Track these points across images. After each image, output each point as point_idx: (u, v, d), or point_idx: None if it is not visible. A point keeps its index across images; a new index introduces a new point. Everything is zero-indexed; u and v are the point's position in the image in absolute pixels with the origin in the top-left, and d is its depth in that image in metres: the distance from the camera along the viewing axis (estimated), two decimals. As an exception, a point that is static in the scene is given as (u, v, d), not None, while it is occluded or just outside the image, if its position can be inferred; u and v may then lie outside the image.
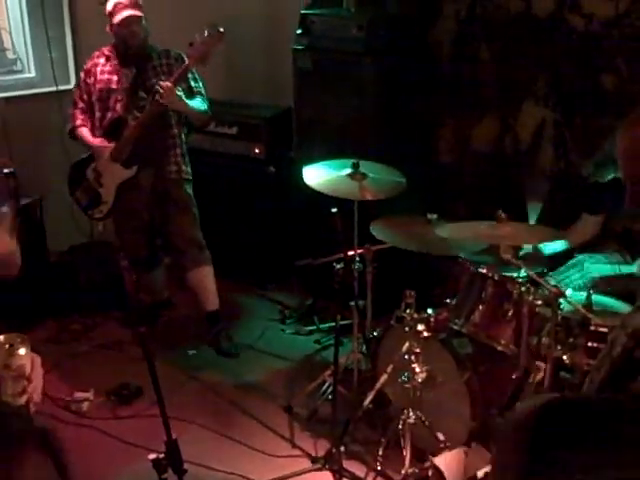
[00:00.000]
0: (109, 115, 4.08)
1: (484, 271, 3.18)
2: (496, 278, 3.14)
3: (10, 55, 5.19)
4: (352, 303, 3.64)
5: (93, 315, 4.63)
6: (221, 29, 3.82)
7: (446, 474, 2.90)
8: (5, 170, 3.97)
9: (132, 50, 4.04)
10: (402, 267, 3.91)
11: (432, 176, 4.60)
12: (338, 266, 3.30)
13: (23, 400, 1.65)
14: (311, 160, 3.71)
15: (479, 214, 3.25)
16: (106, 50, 4.16)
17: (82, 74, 4.22)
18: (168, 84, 3.81)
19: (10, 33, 5.21)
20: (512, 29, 4.20)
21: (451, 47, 4.48)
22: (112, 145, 4.04)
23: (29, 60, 5.20)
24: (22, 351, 1.71)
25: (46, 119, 4.82)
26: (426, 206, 3.56)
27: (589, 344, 2.86)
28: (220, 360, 4.22)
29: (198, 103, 4.04)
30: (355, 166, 3.42)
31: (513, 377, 3.00)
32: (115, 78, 4.08)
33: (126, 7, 3.95)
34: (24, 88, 4.97)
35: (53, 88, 4.91)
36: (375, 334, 3.64)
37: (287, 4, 5.07)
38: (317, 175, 3.52)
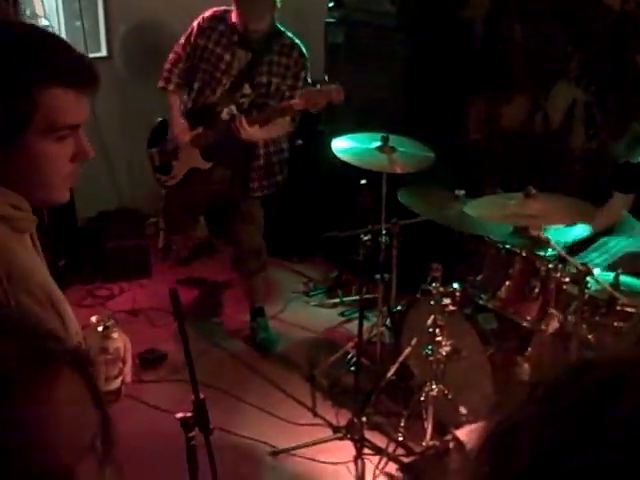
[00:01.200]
0: (207, 93, 3.78)
1: (512, 248, 3.18)
2: (524, 254, 3.14)
3: (42, 22, 5.22)
4: (377, 276, 3.65)
5: (119, 281, 4.68)
6: (339, 86, 3.57)
7: (468, 447, 2.92)
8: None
9: (252, 32, 3.67)
10: (427, 242, 3.92)
11: (461, 152, 4.59)
12: (365, 238, 3.31)
13: (118, 383, 1.64)
14: (339, 134, 3.69)
15: (507, 191, 3.24)
16: (229, 17, 3.72)
17: (195, 28, 3.78)
18: (247, 127, 3.55)
19: (42, 0, 5.24)
20: (546, 8, 4.15)
21: (483, 25, 4.45)
22: (196, 132, 3.81)
23: (60, 27, 5.23)
24: (116, 334, 1.68)
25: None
26: (454, 182, 3.56)
27: (615, 324, 2.86)
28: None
29: (279, 127, 3.74)
30: (384, 139, 3.42)
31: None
32: (227, 57, 3.73)
33: None
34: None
35: (84, 56, 4.94)
36: (399, 308, 3.66)
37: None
38: (346, 147, 3.52)
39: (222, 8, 3.77)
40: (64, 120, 1.35)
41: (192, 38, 3.79)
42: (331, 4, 4.51)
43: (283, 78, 3.73)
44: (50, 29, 5.19)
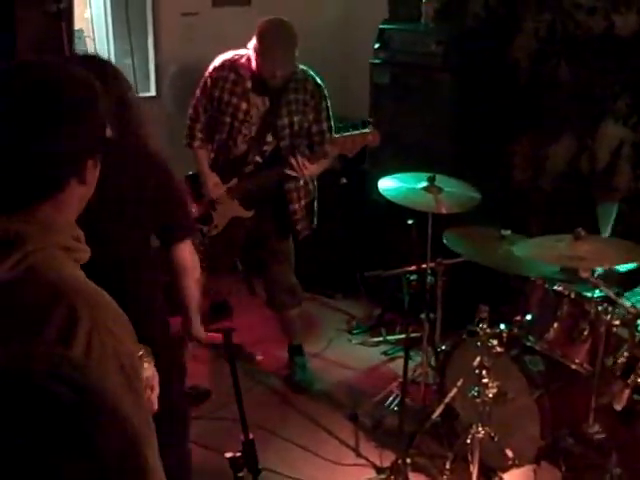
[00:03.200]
0: (230, 144, 3.74)
1: (560, 289, 3.15)
2: (572, 296, 3.10)
3: (93, 62, 5.37)
4: (422, 315, 3.64)
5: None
6: (375, 130, 3.64)
7: (514, 491, 2.88)
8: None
9: (270, 79, 3.59)
10: (472, 282, 3.91)
11: (507, 192, 4.58)
12: (412, 277, 3.31)
13: None
14: (384, 173, 3.71)
15: (553, 232, 3.23)
16: (240, 64, 3.68)
17: (208, 81, 3.75)
18: (303, 164, 3.59)
19: (94, 40, 5.39)
20: (593, 48, 4.15)
21: (530, 64, 4.46)
22: (231, 184, 3.79)
23: (111, 68, 5.36)
24: (146, 363, 1.71)
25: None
26: (500, 222, 3.55)
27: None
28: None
29: (324, 163, 3.74)
30: (431, 179, 3.44)
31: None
32: (244, 106, 3.67)
33: (277, 44, 3.53)
34: (105, 95, 5.11)
35: (134, 95, 5.04)
36: (444, 348, 3.63)
37: (365, 17, 5.13)
38: (392, 186, 3.54)
39: (231, 55, 3.73)
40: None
41: (207, 90, 3.76)
42: (377, 45, 4.57)
43: (304, 114, 3.70)
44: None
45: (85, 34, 5.31)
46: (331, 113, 3.81)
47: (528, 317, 3.29)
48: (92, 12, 5.28)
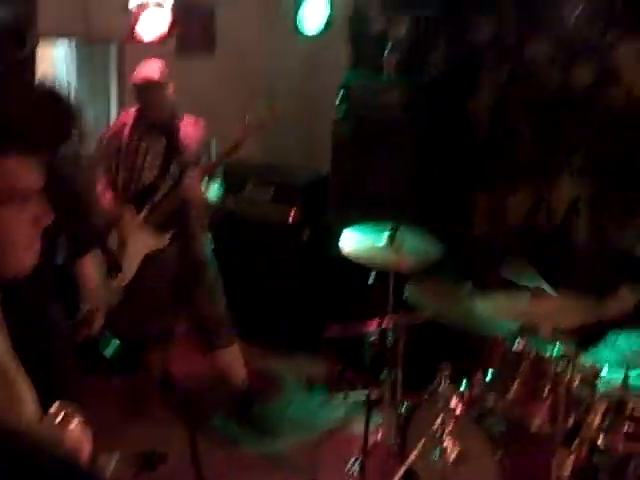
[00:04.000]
0: (135, 177, 3.91)
1: (520, 348, 3.11)
2: (532, 355, 3.07)
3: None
4: (383, 375, 3.57)
5: (120, 375, 4.59)
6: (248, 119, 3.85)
7: None
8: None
9: (154, 120, 3.89)
10: (433, 338, 3.87)
11: (467, 244, 4.57)
12: (372, 337, 3.26)
13: None
14: (346, 225, 3.69)
15: (513, 285, 3.21)
16: (129, 117, 3.98)
17: (107, 134, 4.03)
18: (198, 182, 3.81)
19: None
20: (551, 100, 4.19)
21: (489, 116, 4.49)
22: (143, 213, 3.90)
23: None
24: (74, 423, 1.64)
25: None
26: (461, 273, 3.53)
27: (626, 427, 2.78)
28: (246, 428, 4.15)
29: (213, 192, 3.97)
30: (392, 235, 3.38)
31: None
32: (144, 144, 3.91)
33: (148, 84, 3.81)
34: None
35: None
36: (405, 408, 3.56)
37: (327, 67, 5.15)
38: (354, 242, 3.50)
39: (122, 113, 4.11)
40: (21, 186, 1.42)
41: (106, 147, 3.99)
42: (339, 99, 4.57)
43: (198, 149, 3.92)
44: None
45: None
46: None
47: (488, 376, 3.25)
48: (56, 56, 5.26)
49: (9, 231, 1.43)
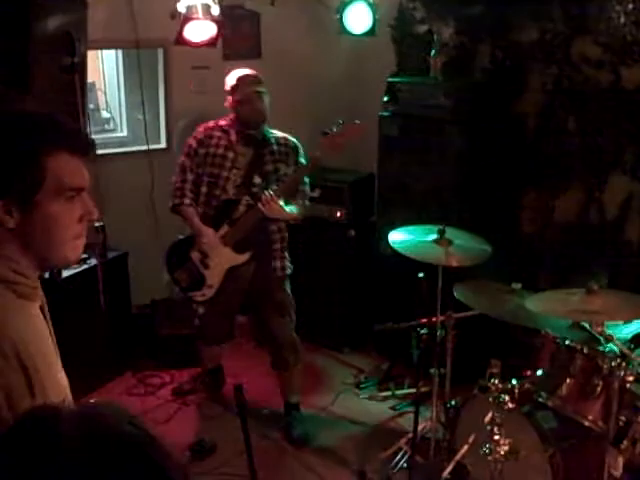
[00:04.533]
0: (217, 193, 3.89)
1: (572, 344, 3.10)
2: (585, 351, 3.05)
3: (104, 114, 5.43)
4: (432, 370, 3.58)
5: (170, 369, 4.67)
6: (358, 121, 3.79)
7: None
8: (96, 224, 4.13)
9: (252, 127, 3.90)
10: (482, 335, 3.86)
11: (516, 245, 4.56)
12: (422, 331, 3.27)
13: None
14: (393, 225, 3.72)
15: (563, 284, 3.20)
16: (223, 123, 3.98)
17: (193, 143, 3.98)
18: (276, 199, 3.72)
19: (105, 93, 5.46)
20: (600, 100, 4.17)
21: (537, 117, 4.48)
22: (223, 231, 3.87)
23: (122, 120, 5.42)
24: None
25: (135, 177, 4.97)
26: (509, 275, 3.53)
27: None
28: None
29: (294, 208, 3.89)
30: (441, 232, 3.43)
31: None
32: (231, 155, 3.90)
33: (252, 83, 3.87)
34: (115, 146, 5.15)
35: (144, 147, 5.07)
36: (454, 403, 3.57)
37: (373, 70, 5.19)
38: (402, 239, 3.53)
39: (211, 123, 4.02)
40: (70, 182, 1.49)
41: (192, 152, 3.97)
42: (386, 98, 4.60)
43: (287, 165, 3.92)
44: (111, 122, 5.40)
45: (97, 87, 5.38)
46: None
47: (539, 372, 3.24)
48: (104, 65, 5.37)
49: (58, 226, 1.49)
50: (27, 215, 1.45)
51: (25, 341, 1.42)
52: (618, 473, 2.86)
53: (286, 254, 4.04)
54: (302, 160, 3.96)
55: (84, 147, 1.55)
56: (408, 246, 3.47)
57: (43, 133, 1.47)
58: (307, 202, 4.02)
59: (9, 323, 1.40)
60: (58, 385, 1.52)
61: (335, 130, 3.77)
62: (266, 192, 3.74)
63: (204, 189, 3.94)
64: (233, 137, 3.93)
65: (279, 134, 4.00)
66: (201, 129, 4.01)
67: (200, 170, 3.95)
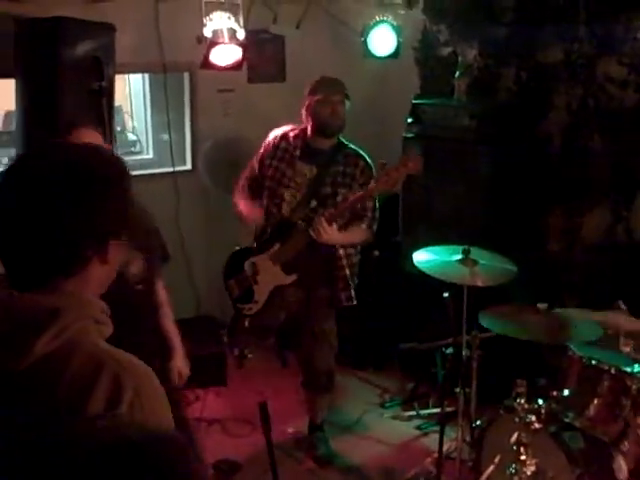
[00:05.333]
0: (274, 211, 3.80)
1: (600, 364, 3.08)
2: (613, 372, 3.03)
3: (130, 137, 5.51)
4: (457, 389, 3.57)
5: (195, 388, 4.68)
6: (416, 155, 3.57)
7: None
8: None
9: (329, 134, 3.73)
10: (508, 355, 3.84)
11: (542, 264, 4.55)
12: (447, 351, 3.26)
13: None
14: (417, 246, 3.70)
15: (590, 304, 3.19)
16: (293, 134, 3.83)
17: (266, 145, 3.89)
18: (326, 225, 3.49)
19: (132, 116, 5.54)
20: (626, 120, 4.17)
21: (562, 137, 4.48)
22: (274, 249, 3.76)
23: (148, 142, 5.49)
24: None
25: (161, 198, 5.01)
26: (535, 295, 3.51)
27: None
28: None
29: (357, 233, 3.73)
30: (466, 252, 3.43)
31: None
32: (289, 173, 3.76)
33: (336, 84, 3.76)
34: (141, 168, 5.21)
35: (169, 169, 5.12)
36: (480, 423, 3.55)
37: (397, 91, 5.22)
38: (427, 259, 3.53)
39: (288, 128, 3.88)
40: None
41: (262, 155, 3.90)
42: (410, 120, 4.63)
43: (350, 188, 3.69)
44: (138, 144, 5.48)
45: (124, 110, 5.47)
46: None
47: (566, 392, 3.22)
48: (131, 89, 5.46)
49: (112, 273, 1.49)
50: (103, 257, 1.43)
51: None
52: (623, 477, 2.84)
53: (351, 282, 3.86)
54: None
55: None
56: (433, 266, 3.47)
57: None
58: (374, 226, 3.78)
59: (139, 370, 1.38)
60: None
61: (393, 165, 3.51)
62: (319, 217, 3.55)
63: (265, 201, 3.85)
64: (297, 152, 3.77)
65: (352, 151, 3.79)
66: (275, 134, 3.89)
67: (262, 179, 3.87)
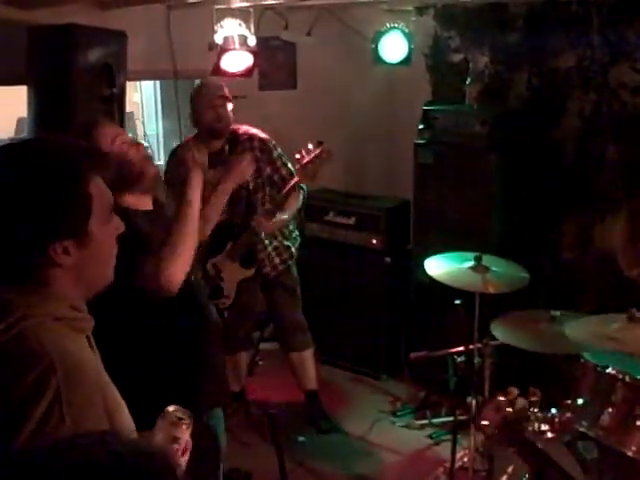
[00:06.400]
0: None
1: (614, 372, 3.04)
2: (627, 380, 2.99)
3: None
4: (469, 398, 3.54)
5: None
6: (324, 146, 3.60)
7: None
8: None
9: (216, 136, 3.90)
10: (520, 363, 3.81)
11: (555, 272, 4.51)
12: (459, 359, 3.24)
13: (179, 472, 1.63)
14: (429, 252, 3.69)
15: (604, 311, 3.15)
16: (192, 143, 3.95)
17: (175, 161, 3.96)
18: (265, 223, 3.84)
19: (143, 123, 5.56)
20: (638, 127, 4.14)
21: (575, 144, 4.45)
22: (228, 248, 4.01)
23: (159, 149, 5.51)
24: (187, 427, 1.70)
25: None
26: (548, 302, 3.48)
27: None
28: (330, 449, 4.17)
29: (292, 209, 3.98)
30: (478, 259, 3.40)
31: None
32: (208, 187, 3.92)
33: (216, 88, 3.94)
34: (153, 175, 5.19)
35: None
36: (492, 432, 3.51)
37: (408, 98, 5.21)
38: (438, 266, 3.51)
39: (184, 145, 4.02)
40: (109, 202, 1.51)
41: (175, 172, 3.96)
42: (421, 126, 4.62)
43: (258, 171, 3.83)
44: (149, 151, 5.48)
45: (135, 117, 5.49)
46: (285, 159, 4.01)
47: (579, 401, 3.18)
48: (142, 96, 5.48)
49: (106, 249, 1.52)
50: (83, 248, 1.44)
51: (100, 380, 1.43)
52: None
53: (279, 250, 4.18)
54: (276, 154, 4.00)
55: (108, 166, 1.61)
56: (444, 273, 3.45)
57: (81, 162, 1.48)
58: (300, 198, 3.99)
59: (81, 366, 1.39)
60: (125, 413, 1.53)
61: (306, 157, 3.58)
62: (257, 219, 3.85)
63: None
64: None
65: (244, 137, 3.97)
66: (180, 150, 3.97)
67: None
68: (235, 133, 3.99)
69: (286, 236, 4.25)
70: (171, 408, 1.72)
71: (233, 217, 3.96)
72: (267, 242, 4.16)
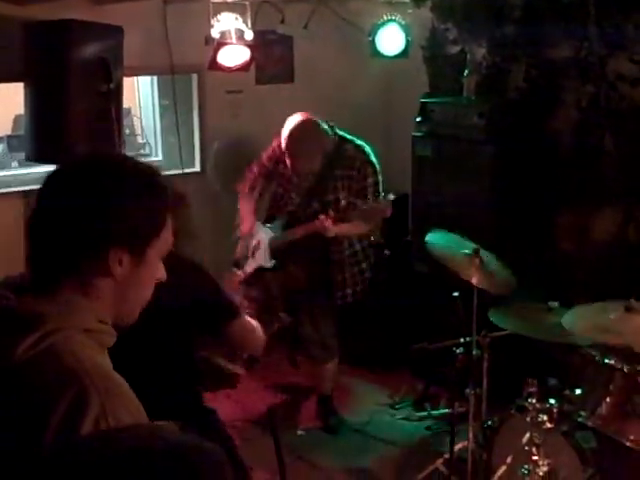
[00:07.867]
0: (277, 206, 4.08)
1: (612, 362, 3.05)
2: (625, 370, 3.00)
3: (139, 140, 5.51)
4: (468, 390, 3.54)
5: (204, 391, 4.67)
6: (388, 201, 3.71)
7: None
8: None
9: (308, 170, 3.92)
10: (519, 355, 3.82)
11: (552, 263, 4.52)
12: (458, 351, 3.24)
13: None
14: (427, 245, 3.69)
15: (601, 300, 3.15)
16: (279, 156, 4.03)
17: (276, 148, 4.04)
18: (328, 226, 3.74)
19: (140, 118, 5.54)
20: (637, 118, 4.14)
21: (572, 135, 4.45)
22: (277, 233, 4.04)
23: (157, 144, 5.49)
24: None
25: (170, 199, 5.01)
26: (547, 293, 3.49)
27: None
28: (329, 442, 4.19)
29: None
30: (475, 251, 3.39)
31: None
32: (295, 179, 3.99)
33: (303, 148, 3.83)
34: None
35: (179, 171, 5.12)
36: (491, 423, 3.52)
37: (405, 90, 5.21)
38: (440, 245, 3.51)
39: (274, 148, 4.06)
40: (169, 245, 1.47)
41: (272, 155, 4.08)
42: (419, 118, 4.61)
43: (349, 190, 3.83)
44: (147, 147, 5.48)
45: (132, 112, 5.47)
46: (380, 188, 3.91)
47: (578, 391, 3.19)
48: (140, 91, 5.46)
49: (148, 284, 1.47)
50: (134, 267, 1.40)
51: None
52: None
53: (353, 284, 4.12)
54: (371, 180, 3.91)
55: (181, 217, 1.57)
56: (444, 252, 3.44)
57: (171, 193, 1.47)
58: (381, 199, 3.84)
59: (120, 382, 1.35)
60: None
61: (370, 204, 3.69)
62: (321, 219, 3.77)
63: (267, 196, 4.16)
64: (294, 178, 4.00)
65: (349, 151, 3.93)
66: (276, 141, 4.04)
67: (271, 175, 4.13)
68: (343, 141, 3.97)
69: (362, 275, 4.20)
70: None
71: (297, 214, 3.98)
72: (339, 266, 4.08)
